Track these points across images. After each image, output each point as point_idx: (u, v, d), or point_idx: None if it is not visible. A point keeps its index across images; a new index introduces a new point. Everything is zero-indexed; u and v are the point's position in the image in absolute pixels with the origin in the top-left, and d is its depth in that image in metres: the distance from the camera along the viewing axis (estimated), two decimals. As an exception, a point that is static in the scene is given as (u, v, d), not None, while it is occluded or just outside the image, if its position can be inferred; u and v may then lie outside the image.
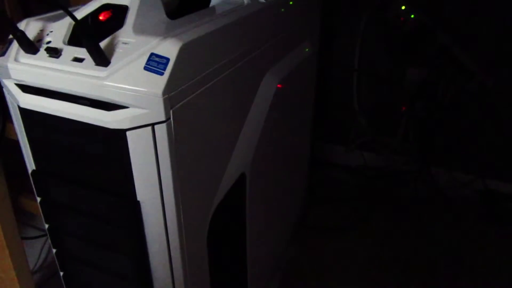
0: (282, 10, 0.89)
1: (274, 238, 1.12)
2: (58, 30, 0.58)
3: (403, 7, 1.33)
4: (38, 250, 1.26)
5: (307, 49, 1.09)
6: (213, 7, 0.74)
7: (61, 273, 0.76)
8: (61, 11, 0.64)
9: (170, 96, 0.51)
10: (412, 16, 1.33)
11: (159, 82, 0.50)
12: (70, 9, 0.57)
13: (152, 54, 0.52)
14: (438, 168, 1.57)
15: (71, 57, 0.55)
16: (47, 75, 0.55)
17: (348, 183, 1.62)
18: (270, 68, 0.85)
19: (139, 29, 0.56)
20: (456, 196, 1.53)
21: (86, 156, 0.60)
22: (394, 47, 1.48)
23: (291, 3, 0.93)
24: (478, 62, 1.35)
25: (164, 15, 0.61)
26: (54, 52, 0.55)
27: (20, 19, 0.61)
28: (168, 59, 0.51)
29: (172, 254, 0.62)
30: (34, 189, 0.67)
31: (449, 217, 1.45)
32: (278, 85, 0.85)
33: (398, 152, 1.62)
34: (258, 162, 0.82)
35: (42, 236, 1.29)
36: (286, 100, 0.95)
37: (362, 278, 1.20)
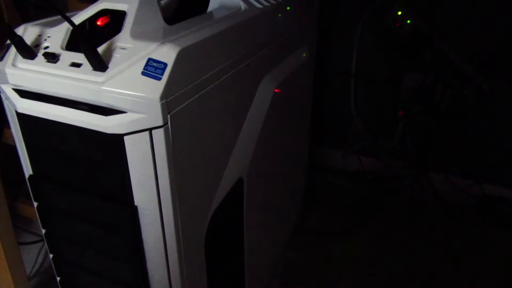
0: (279, 15, 0.89)
1: (272, 242, 1.12)
2: (56, 35, 0.58)
3: (399, 13, 1.34)
4: (35, 256, 1.26)
5: (304, 54, 1.09)
6: (211, 12, 0.75)
7: (58, 279, 0.76)
8: (58, 17, 0.64)
9: (168, 101, 0.51)
10: (408, 21, 1.33)
11: (156, 87, 0.50)
12: (67, 14, 0.57)
13: (149, 59, 0.52)
14: (436, 172, 1.57)
15: (69, 62, 0.55)
16: (45, 80, 0.55)
17: (346, 187, 1.62)
18: (268, 72, 0.85)
19: (137, 34, 0.56)
20: (454, 201, 1.54)
21: (83, 161, 0.60)
22: (392, 51, 1.49)
23: (288, 8, 0.94)
24: (476, 66, 1.36)
25: (162, 21, 0.62)
26: (52, 57, 0.56)
27: (18, 25, 0.61)
28: (165, 64, 0.51)
29: (169, 259, 0.62)
30: (31, 194, 0.67)
31: (448, 221, 1.45)
32: (276, 90, 0.85)
33: (396, 157, 1.62)
34: (256, 166, 0.82)
35: (39, 241, 1.29)
36: (283, 105, 0.95)
37: (360, 282, 1.20)
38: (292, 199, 1.28)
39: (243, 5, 0.76)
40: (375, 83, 1.55)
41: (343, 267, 1.25)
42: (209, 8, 0.77)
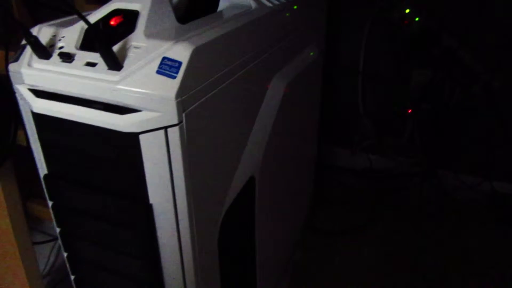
0: (287, 14, 0.89)
1: (282, 241, 1.12)
2: (70, 35, 0.59)
3: (407, 10, 1.33)
4: (47, 255, 1.27)
5: (312, 53, 1.10)
6: (221, 11, 0.75)
7: (72, 277, 0.76)
8: (72, 17, 0.65)
9: (183, 99, 0.52)
10: (417, 19, 1.33)
11: (171, 85, 0.51)
12: (81, 14, 0.57)
13: (164, 58, 0.52)
14: (444, 170, 1.56)
15: (84, 62, 0.55)
16: (60, 80, 0.56)
17: (354, 186, 1.62)
18: (278, 71, 0.86)
19: (150, 34, 0.56)
20: (463, 199, 1.53)
21: (98, 160, 0.60)
22: (399, 49, 1.48)
23: (295, 7, 0.94)
24: (484, 64, 1.35)
25: (174, 20, 0.62)
26: (67, 57, 0.56)
27: (30, 26, 0.62)
28: (180, 63, 0.52)
29: (184, 257, 0.63)
30: (46, 193, 0.68)
31: (457, 219, 1.44)
32: (285, 89, 0.85)
33: (405, 155, 1.61)
34: (267, 165, 0.82)
35: (51, 240, 1.30)
36: (293, 103, 0.96)
37: (369, 280, 1.20)
38: (301, 198, 1.28)
39: (253, 4, 0.76)
40: (383, 81, 1.55)
41: (351, 266, 1.25)
42: (220, 7, 0.78)
